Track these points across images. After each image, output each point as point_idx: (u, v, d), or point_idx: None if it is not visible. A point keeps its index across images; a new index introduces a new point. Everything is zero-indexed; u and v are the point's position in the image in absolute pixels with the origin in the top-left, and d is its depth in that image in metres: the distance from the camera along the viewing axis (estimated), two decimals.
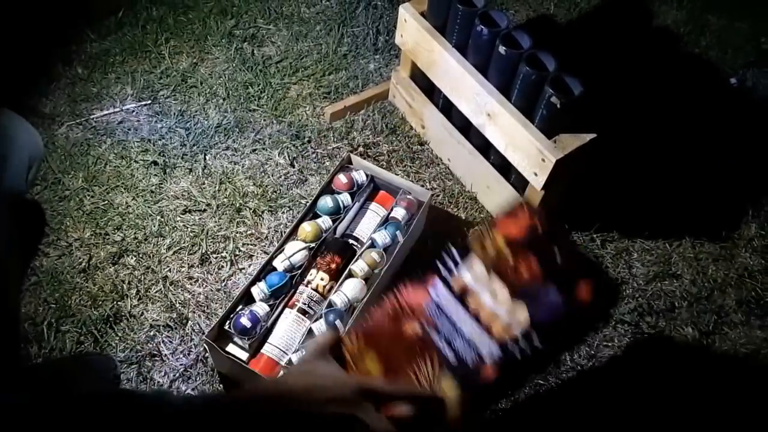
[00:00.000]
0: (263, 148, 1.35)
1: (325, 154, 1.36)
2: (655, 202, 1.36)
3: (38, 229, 1.06)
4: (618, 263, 1.26)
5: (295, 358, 0.94)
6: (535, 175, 1.13)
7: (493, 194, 1.28)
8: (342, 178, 1.16)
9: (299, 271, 1.04)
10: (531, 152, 1.11)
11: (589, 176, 1.29)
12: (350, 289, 1.02)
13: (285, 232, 1.09)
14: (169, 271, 1.16)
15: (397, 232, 1.11)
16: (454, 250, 0.83)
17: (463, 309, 0.79)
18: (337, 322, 0.98)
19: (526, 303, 0.78)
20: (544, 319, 0.77)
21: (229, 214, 1.24)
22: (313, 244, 1.07)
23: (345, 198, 1.15)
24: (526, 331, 0.76)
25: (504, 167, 1.24)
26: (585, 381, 1.10)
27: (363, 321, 0.79)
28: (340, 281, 1.04)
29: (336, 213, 1.13)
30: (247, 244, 1.21)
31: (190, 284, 1.15)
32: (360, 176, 1.17)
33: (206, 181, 1.29)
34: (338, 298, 1.01)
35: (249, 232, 1.22)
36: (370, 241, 1.10)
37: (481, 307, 0.79)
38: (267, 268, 1.04)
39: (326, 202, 1.13)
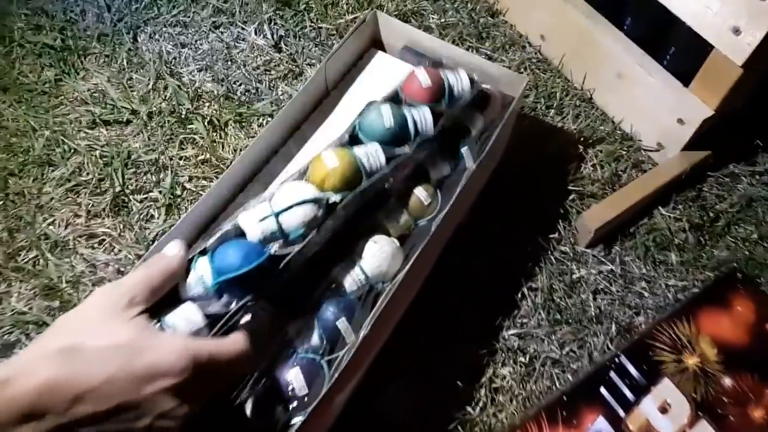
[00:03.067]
0: (230, 22, 0.83)
1: (332, 30, 0.82)
2: None
3: None
4: None
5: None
6: (736, 32, 0.58)
7: (628, 89, 0.73)
8: (420, 74, 0.58)
9: (295, 253, 0.46)
10: None
11: None
12: (373, 257, 0.50)
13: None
14: (55, 223, 0.66)
15: (464, 150, 0.59)
16: (629, 364, 0.53)
17: None
18: (340, 323, 0.47)
19: None
20: None
21: (169, 128, 0.73)
22: (333, 195, 0.49)
23: (422, 114, 0.56)
24: None
25: (653, 35, 0.69)
26: None
27: None
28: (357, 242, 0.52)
29: (399, 140, 0.55)
30: (197, 177, 0.70)
31: (91, 248, 0.64)
32: (461, 79, 0.59)
33: (134, 76, 0.77)
34: (350, 276, 0.49)
35: (201, 157, 0.71)
36: None
37: None
38: (222, 231, 0.47)
39: (378, 114, 0.55)
